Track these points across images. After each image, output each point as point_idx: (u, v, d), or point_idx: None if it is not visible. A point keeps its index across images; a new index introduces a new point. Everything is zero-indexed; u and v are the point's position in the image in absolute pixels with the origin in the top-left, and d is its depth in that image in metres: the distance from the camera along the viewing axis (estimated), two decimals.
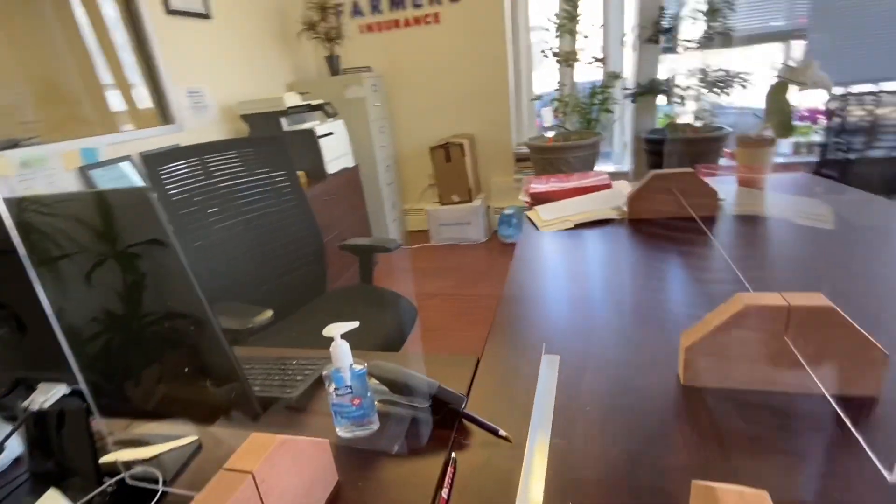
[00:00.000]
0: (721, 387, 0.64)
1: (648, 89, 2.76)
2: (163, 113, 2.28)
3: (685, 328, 0.69)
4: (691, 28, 2.57)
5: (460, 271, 2.93)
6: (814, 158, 3.08)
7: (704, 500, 0.39)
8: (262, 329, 1.09)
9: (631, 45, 2.87)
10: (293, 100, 2.58)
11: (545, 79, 3.28)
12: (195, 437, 0.68)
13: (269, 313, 1.11)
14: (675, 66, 2.75)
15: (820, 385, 0.54)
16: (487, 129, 3.34)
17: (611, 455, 0.57)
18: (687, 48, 2.60)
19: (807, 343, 0.58)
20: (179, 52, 2.34)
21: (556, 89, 2.97)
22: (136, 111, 2.22)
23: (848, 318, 0.56)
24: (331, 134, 2.70)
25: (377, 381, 0.66)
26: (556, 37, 2.78)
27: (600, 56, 2.75)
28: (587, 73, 2.96)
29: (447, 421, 0.64)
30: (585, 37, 2.75)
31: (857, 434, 0.48)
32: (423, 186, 3.66)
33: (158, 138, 2.22)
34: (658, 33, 2.59)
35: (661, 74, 2.81)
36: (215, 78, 2.57)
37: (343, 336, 0.62)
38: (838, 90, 2.73)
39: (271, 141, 1.58)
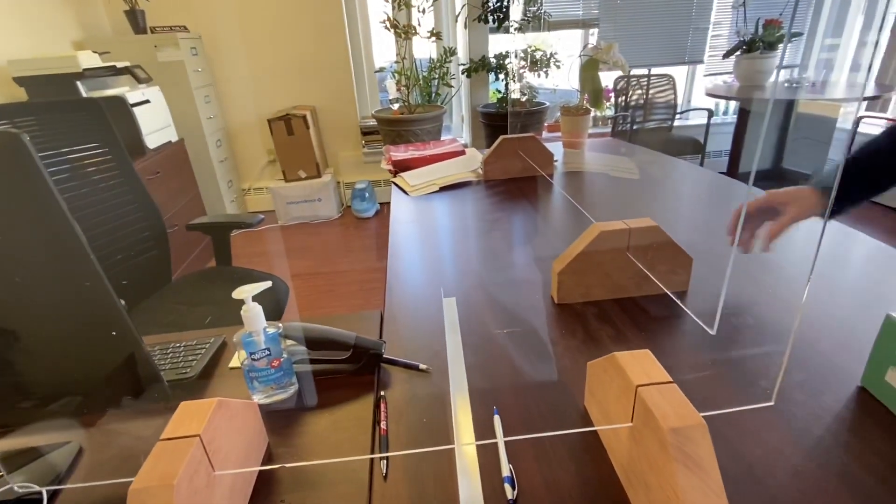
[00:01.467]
0: (586, 300, 0.79)
1: (481, 66, 3.00)
2: None
3: (552, 258, 0.83)
4: (515, 11, 2.85)
5: (318, 250, 2.84)
6: (607, 129, 3.75)
7: (604, 368, 0.50)
8: None
9: (462, 23, 3.06)
10: (90, 60, 2.14)
11: (385, 52, 3.30)
12: (70, 441, 0.58)
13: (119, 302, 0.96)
14: (502, 46, 3.03)
15: (658, 283, 0.71)
16: (330, 100, 3.24)
17: (514, 366, 0.67)
18: (511, 29, 2.88)
19: (642, 255, 0.76)
20: None
21: (396, 62, 3.02)
22: None
23: (667, 232, 0.75)
24: (147, 102, 2.32)
25: (292, 342, 0.65)
26: (393, 10, 2.81)
27: (436, 31, 2.87)
28: (425, 48, 3.06)
29: (368, 368, 0.67)
30: (421, 11, 2.84)
31: (685, 308, 0.66)
32: (263, 163, 3.40)
33: None
34: (487, 14, 2.81)
35: (491, 52, 3.07)
36: None
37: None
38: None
39: (81, 106, 1.31)
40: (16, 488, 0.44)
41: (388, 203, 1.36)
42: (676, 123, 3.56)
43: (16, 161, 0.35)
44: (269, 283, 0.60)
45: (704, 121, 3.30)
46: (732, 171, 3.17)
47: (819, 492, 0.46)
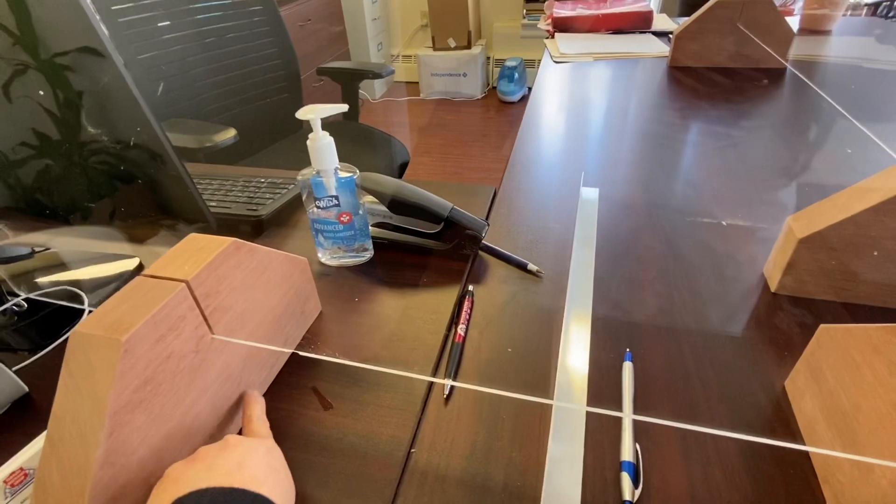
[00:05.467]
0: (840, 301, 0.43)
1: None
2: None
3: (779, 205, 0.51)
4: None
5: (453, 129, 2.67)
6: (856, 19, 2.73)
7: (859, 347, 0.27)
8: (222, 150, 0.90)
9: None
10: None
11: None
12: (135, 259, 0.53)
13: (231, 132, 0.91)
14: None
15: None
16: None
17: (670, 296, 0.45)
18: None
19: None
20: None
21: None
22: None
23: None
24: None
25: (373, 200, 0.50)
26: None
27: None
28: None
29: (460, 252, 0.50)
30: None
31: None
32: (415, 26, 3.18)
33: None
34: None
35: None
36: None
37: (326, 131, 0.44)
38: None
39: None
40: (33, 296, 0.38)
41: None
42: None
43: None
44: (345, 107, 0.44)
45: None
46: None
47: None
